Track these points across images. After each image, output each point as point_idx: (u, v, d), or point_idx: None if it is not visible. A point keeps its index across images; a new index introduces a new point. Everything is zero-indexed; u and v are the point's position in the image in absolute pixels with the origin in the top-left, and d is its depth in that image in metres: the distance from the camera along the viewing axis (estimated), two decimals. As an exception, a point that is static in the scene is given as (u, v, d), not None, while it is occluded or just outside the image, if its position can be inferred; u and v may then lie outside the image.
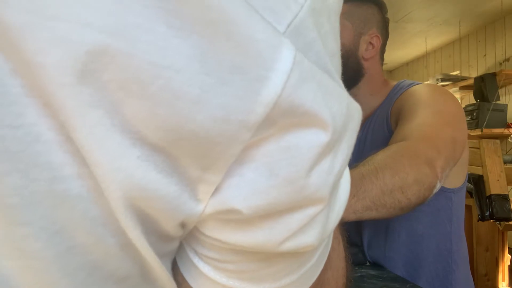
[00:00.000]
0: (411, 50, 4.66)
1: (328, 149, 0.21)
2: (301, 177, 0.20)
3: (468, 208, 1.91)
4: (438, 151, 0.83)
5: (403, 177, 0.76)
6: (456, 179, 1.01)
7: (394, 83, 1.13)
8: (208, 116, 0.19)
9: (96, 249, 0.22)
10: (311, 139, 0.20)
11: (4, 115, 0.19)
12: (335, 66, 0.23)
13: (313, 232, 0.23)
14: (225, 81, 0.18)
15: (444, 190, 0.99)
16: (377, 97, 1.12)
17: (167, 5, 0.18)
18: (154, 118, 0.19)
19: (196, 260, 0.25)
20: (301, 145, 0.20)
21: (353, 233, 1.09)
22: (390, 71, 5.50)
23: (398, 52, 4.64)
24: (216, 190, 0.21)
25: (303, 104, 0.19)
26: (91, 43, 0.18)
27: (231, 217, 0.21)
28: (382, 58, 1.15)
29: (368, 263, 1.05)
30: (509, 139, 3.18)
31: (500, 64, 3.67)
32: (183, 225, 0.23)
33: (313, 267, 0.27)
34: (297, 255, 0.25)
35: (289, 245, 0.22)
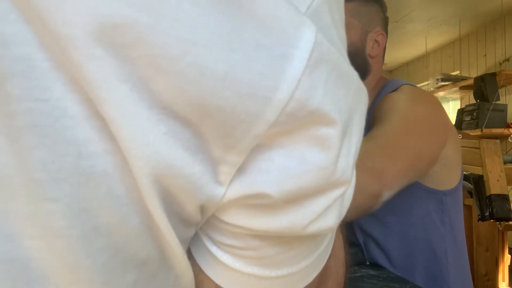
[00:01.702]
0: (411, 50, 4.66)
1: (343, 134, 0.21)
2: (331, 163, 0.21)
3: (468, 208, 1.91)
4: (392, 160, 0.83)
5: None
6: (447, 182, 1.01)
7: (384, 82, 1.12)
8: (234, 92, 0.19)
9: (119, 229, 0.22)
10: (331, 131, 0.21)
11: (31, 88, 0.19)
12: (346, 52, 0.24)
13: (333, 215, 0.23)
14: (251, 58, 0.19)
15: (434, 192, 0.99)
16: (369, 97, 1.12)
17: None
18: (182, 93, 0.19)
19: (214, 249, 0.25)
20: (328, 136, 0.21)
21: (351, 234, 1.10)
22: (390, 71, 5.50)
23: (398, 52, 4.64)
24: (244, 174, 0.21)
25: (313, 100, 0.20)
26: (120, 17, 0.18)
27: (257, 202, 0.22)
28: (383, 57, 1.16)
29: (367, 263, 1.05)
30: (509, 139, 3.17)
31: (500, 64, 3.67)
32: (202, 209, 0.23)
33: (324, 251, 0.28)
34: (315, 238, 0.26)
35: (312, 228, 0.23)
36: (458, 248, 1.04)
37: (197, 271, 0.26)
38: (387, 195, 0.82)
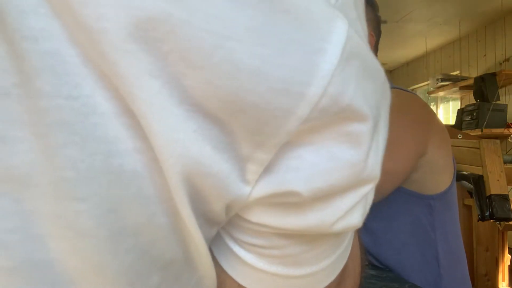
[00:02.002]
0: (411, 50, 4.66)
1: (374, 130, 0.21)
2: (362, 160, 0.21)
3: (468, 208, 1.91)
4: None
5: None
6: (435, 186, 1.00)
7: None
8: (268, 87, 0.19)
9: (147, 229, 0.22)
10: (363, 127, 0.21)
11: (61, 85, 0.19)
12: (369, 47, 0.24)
13: (359, 212, 0.23)
14: (284, 52, 0.19)
15: (421, 197, 0.98)
16: None
17: None
18: (214, 90, 0.19)
19: (237, 248, 0.25)
20: (360, 132, 0.20)
21: None
22: (390, 71, 5.50)
23: (398, 52, 4.63)
24: (271, 172, 0.21)
25: (346, 96, 0.20)
26: (154, 10, 0.17)
27: (284, 200, 0.21)
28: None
29: (366, 263, 1.05)
30: (509, 139, 3.17)
31: (500, 64, 3.67)
32: (228, 208, 0.22)
33: (344, 250, 0.27)
34: (338, 236, 0.25)
35: (339, 226, 0.23)
36: (452, 251, 1.03)
37: (219, 271, 0.26)
38: None
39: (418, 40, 4.28)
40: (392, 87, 1.06)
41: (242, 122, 0.19)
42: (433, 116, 1.04)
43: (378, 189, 0.78)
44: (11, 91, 0.18)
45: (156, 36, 0.18)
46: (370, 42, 1.08)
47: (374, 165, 0.22)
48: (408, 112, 0.99)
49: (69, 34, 0.18)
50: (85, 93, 0.19)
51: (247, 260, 0.25)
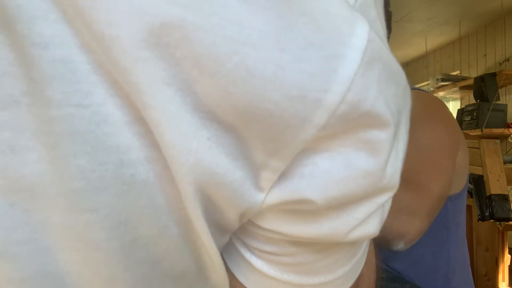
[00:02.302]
0: (411, 50, 4.66)
1: (394, 137, 0.21)
2: (380, 168, 0.20)
3: (468, 208, 1.92)
4: (412, 221, 0.77)
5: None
6: (454, 187, 0.98)
7: None
8: (284, 94, 0.18)
9: (158, 241, 0.21)
10: (383, 134, 0.20)
11: (71, 93, 0.18)
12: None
13: (375, 221, 0.22)
14: (301, 57, 0.18)
15: None
16: None
17: None
18: (228, 97, 0.18)
19: (248, 255, 0.24)
20: (379, 139, 0.20)
21: None
22: (390, 71, 5.49)
23: (398, 52, 4.63)
24: (285, 179, 0.20)
25: (366, 102, 0.19)
26: (167, 15, 0.17)
27: (298, 208, 0.21)
28: None
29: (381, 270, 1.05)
30: (509, 139, 3.17)
31: (500, 64, 3.67)
32: (241, 216, 0.22)
33: (360, 258, 0.27)
34: (353, 245, 0.25)
35: (354, 235, 0.22)
36: (461, 253, 1.03)
37: (230, 279, 0.25)
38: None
39: (418, 40, 4.28)
40: (411, 88, 1.04)
41: (257, 129, 0.19)
42: (454, 118, 1.01)
43: (435, 213, 0.71)
44: (20, 99, 0.18)
45: (169, 42, 0.17)
46: None
47: (392, 174, 0.21)
48: (441, 121, 0.95)
49: (80, 40, 0.18)
50: (96, 101, 0.18)
51: (258, 266, 0.24)
